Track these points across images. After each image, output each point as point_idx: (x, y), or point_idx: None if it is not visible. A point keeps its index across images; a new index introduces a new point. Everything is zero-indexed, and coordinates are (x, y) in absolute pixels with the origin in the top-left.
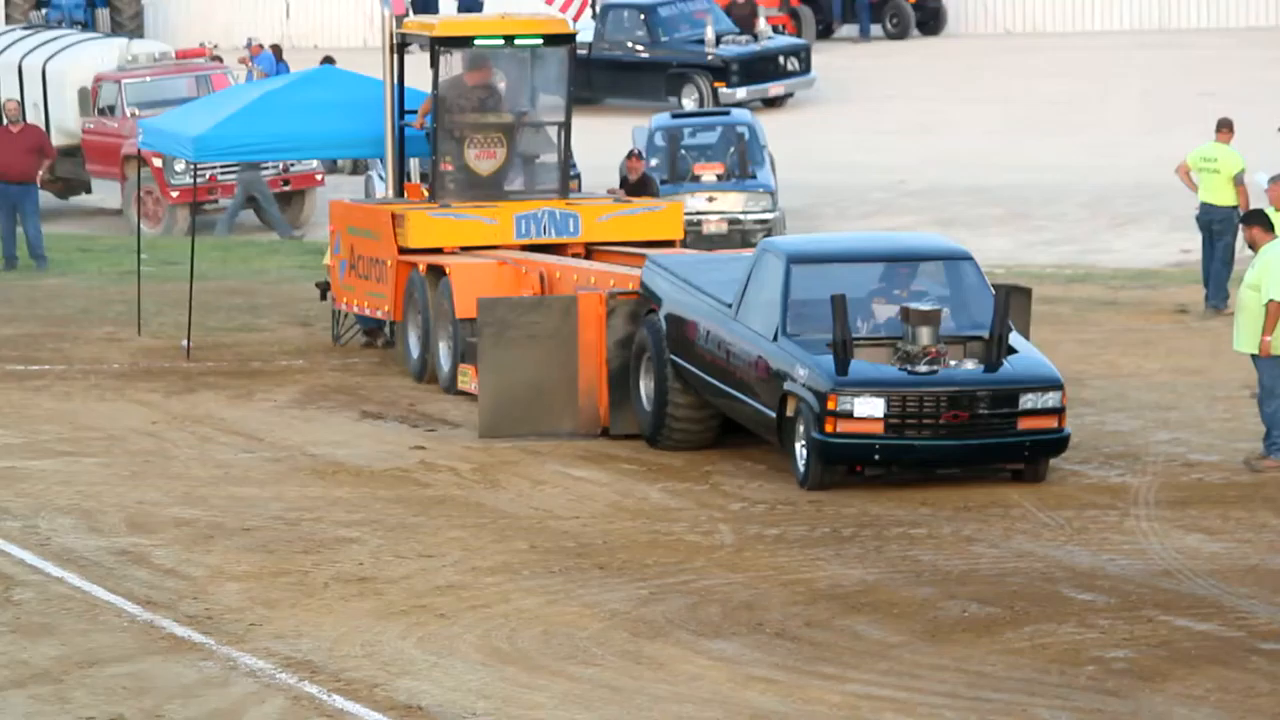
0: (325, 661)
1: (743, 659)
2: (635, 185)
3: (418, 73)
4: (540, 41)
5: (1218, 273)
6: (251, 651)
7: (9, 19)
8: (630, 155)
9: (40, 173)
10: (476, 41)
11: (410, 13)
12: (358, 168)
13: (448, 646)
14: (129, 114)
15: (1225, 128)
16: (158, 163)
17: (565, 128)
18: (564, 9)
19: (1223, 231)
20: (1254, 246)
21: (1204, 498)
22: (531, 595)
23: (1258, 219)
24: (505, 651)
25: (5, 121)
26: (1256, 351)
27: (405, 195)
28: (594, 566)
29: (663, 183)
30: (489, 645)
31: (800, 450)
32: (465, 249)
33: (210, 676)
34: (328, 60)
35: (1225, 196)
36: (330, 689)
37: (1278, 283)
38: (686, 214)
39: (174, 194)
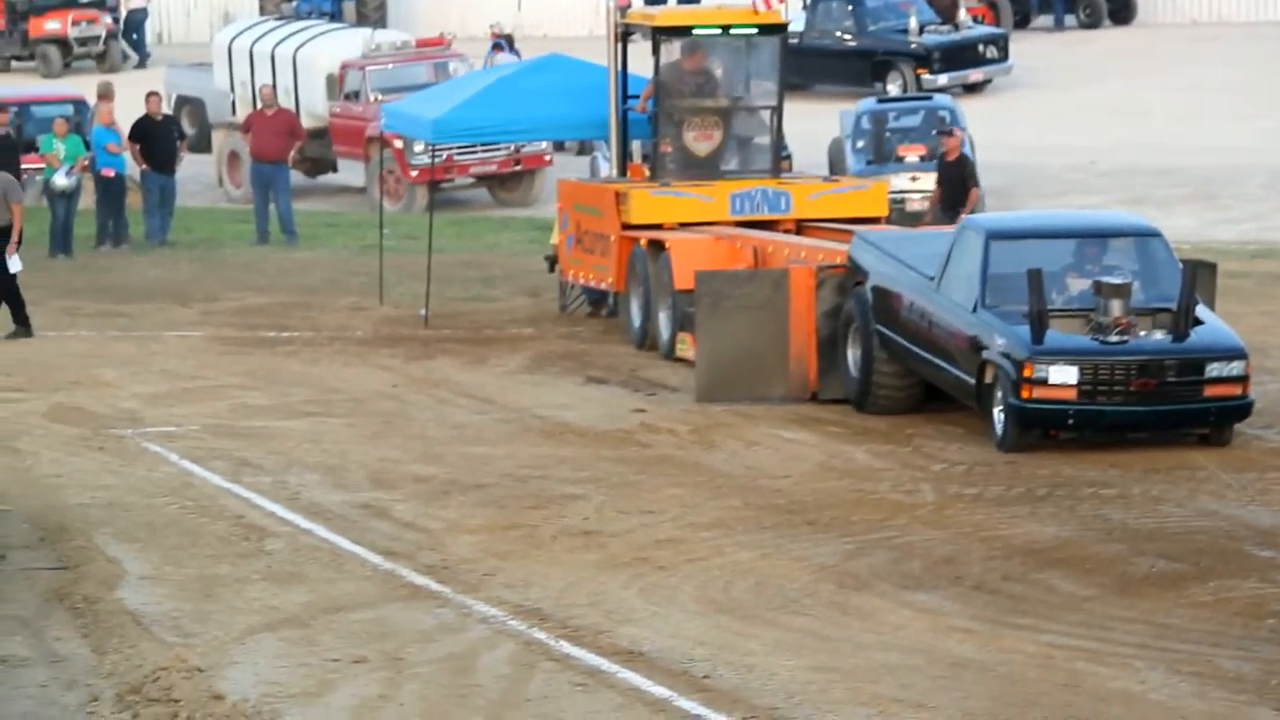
0: (553, 609)
1: (943, 610)
2: (953, 164)
3: (640, 60)
4: (755, 31)
5: None
6: (484, 600)
7: (263, 10)
8: (943, 132)
9: (291, 153)
10: (695, 31)
11: (633, 3)
12: (584, 149)
13: (667, 596)
14: (372, 99)
15: None
16: (399, 144)
17: (777, 111)
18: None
19: None
20: None
21: None
22: (745, 549)
23: None
24: (720, 601)
25: (260, 105)
26: None
27: (628, 175)
28: (803, 523)
29: (868, 163)
30: (705, 596)
31: (998, 415)
32: (684, 225)
33: (446, 623)
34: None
35: None
36: (557, 635)
37: None
38: (891, 193)
39: (413, 173)
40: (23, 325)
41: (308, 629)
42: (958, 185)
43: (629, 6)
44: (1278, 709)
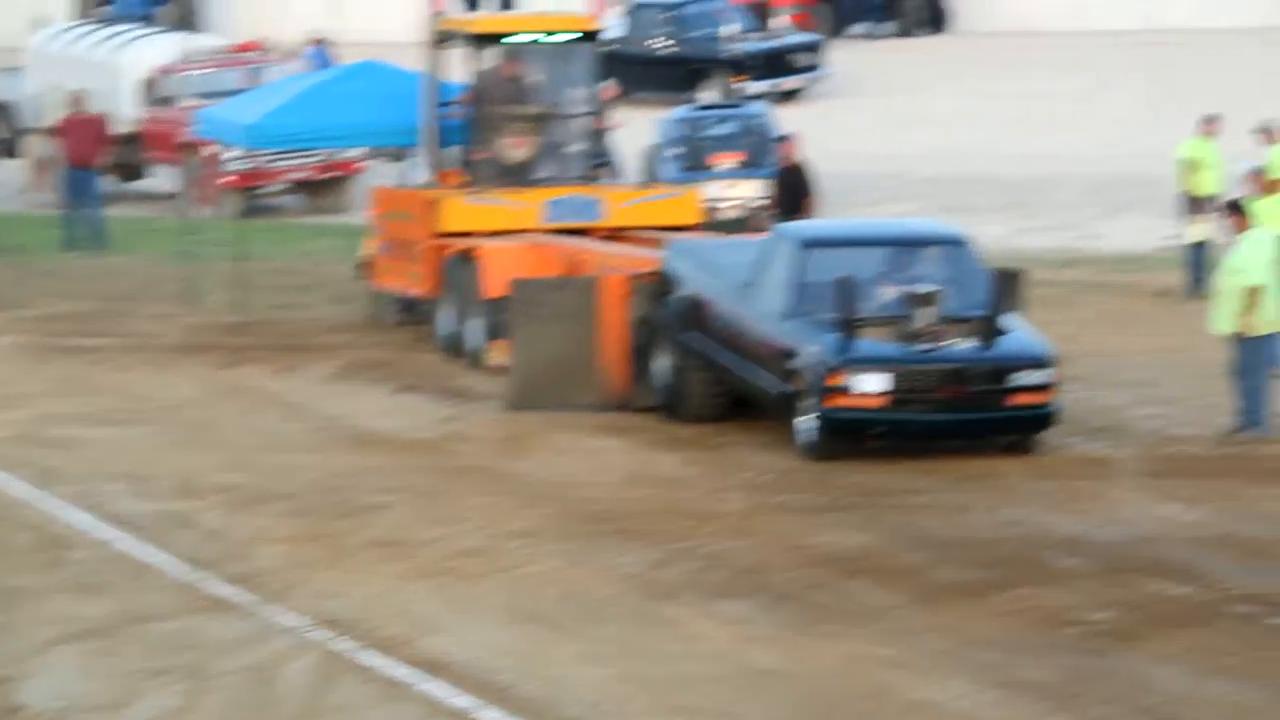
0: (357, 619)
1: (748, 619)
2: (788, 170)
3: (455, 66)
4: (572, 38)
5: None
6: (289, 610)
7: (77, 16)
8: (783, 139)
9: (102, 159)
10: (512, 37)
11: (450, 10)
12: (398, 155)
13: (473, 606)
14: (186, 104)
15: (1211, 123)
16: (213, 150)
17: (593, 118)
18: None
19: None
20: (1234, 233)
21: (1182, 469)
22: (552, 558)
23: (1239, 208)
24: (527, 611)
25: (72, 110)
26: (1238, 331)
27: (441, 182)
28: (612, 532)
29: (682, 171)
30: (512, 605)
31: (806, 423)
32: (497, 232)
33: (249, 633)
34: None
35: (1208, 187)
36: (361, 645)
37: (1256, 268)
38: (704, 201)
39: (227, 179)
40: None
41: (110, 640)
42: (792, 192)
43: (444, 13)
44: (1075, 716)
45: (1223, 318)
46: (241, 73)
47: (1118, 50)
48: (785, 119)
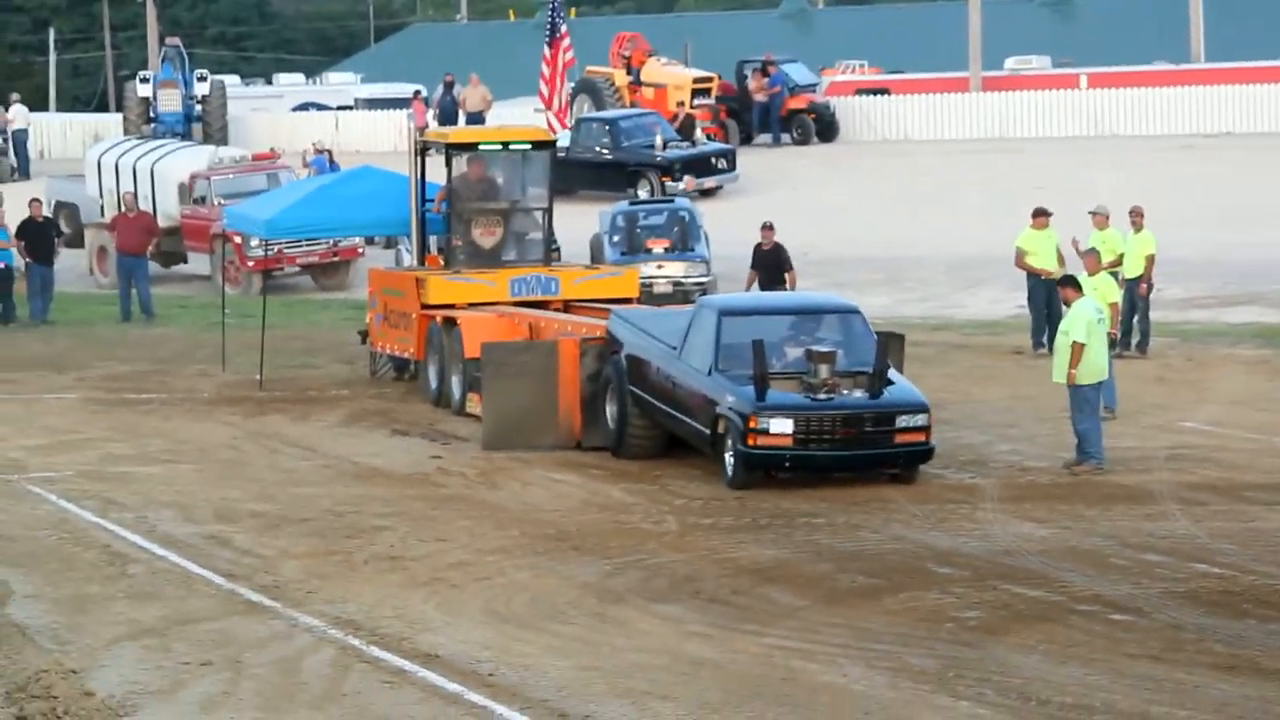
0: (364, 620)
1: (684, 619)
2: (769, 253)
3: (435, 170)
4: (529, 146)
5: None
6: (309, 613)
7: (126, 131)
8: (763, 226)
9: (150, 247)
10: (480, 146)
11: (430, 125)
12: (390, 243)
13: (458, 609)
14: (216, 203)
15: (1042, 214)
16: (238, 239)
17: (548, 212)
18: (559, 116)
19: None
20: (1066, 303)
21: (1035, 494)
22: (522, 570)
23: (1070, 282)
24: (502, 613)
25: (124, 209)
26: (1065, 381)
27: (426, 264)
28: (570, 548)
29: (622, 254)
30: (490, 608)
31: (728, 458)
32: (472, 304)
33: (278, 632)
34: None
35: (1050, 265)
36: (369, 641)
37: (1079, 330)
38: (641, 278)
39: (250, 263)
40: None
41: (163, 638)
42: (774, 270)
43: (426, 127)
44: (953, 696)
45: (1058, 370)
46: (261, 177)
47: (969, 156)
48: (705, 212)
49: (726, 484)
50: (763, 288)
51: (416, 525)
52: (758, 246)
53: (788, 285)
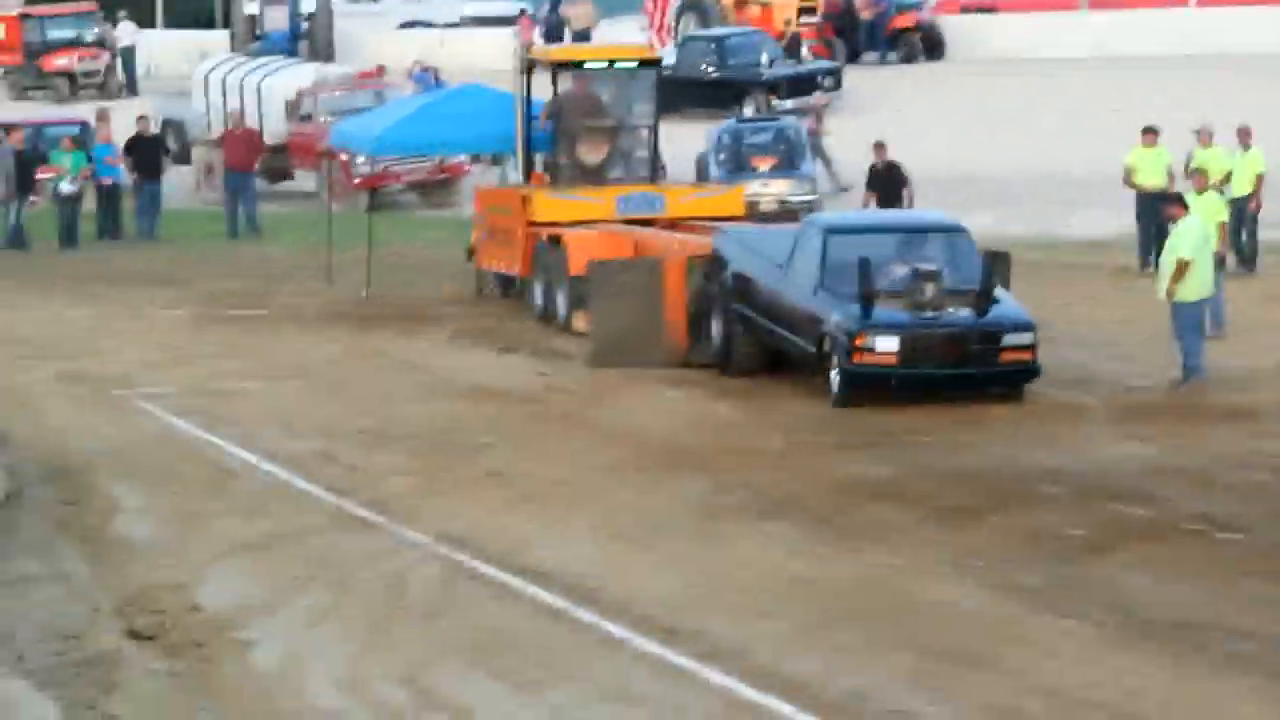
0: (471, 537)
1: (788, 536)
2: (883, 171)
3: (541, 88)
4: (635, 64)
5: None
6: (415, 529)
7: (233, 48)
8: (875, 145)
9: (256, 164)
10: (586, 64)
11: (536, 43)
12: (496, 160)
13: (564, 526)
14: (323, 120)
15: (1151, 132)
16: (344, 157)
17: (653, 130)
18: (656, 29)
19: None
20: (1173, 220)
21: (1140, 413)
22: (628, 488)
23: (1177, 199)
24: (608, 530)
25: (230, 126)
26: (1173, 298)
27: (532, 181)
28: (676, 466)
29: (728, 172)
30: (596, 526)
31: (834, 376)
32: (577, 222)
33: (384, 547)
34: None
35: (1158, 182)
36: (475, 558)
37: (1185, 247)
38: (747, 196)
39: (356, 180)
40: None
41: (270, 553)
42: (892, 187)
43: (532, 44)
44: (1058, 614)
45: (1162, 288)
46: (367, 94)
47: (1076, 75)
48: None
49: (832, 402)
50: (880, 206)
51: (523, 443)
52: (872, 166)
53: (905, 202)
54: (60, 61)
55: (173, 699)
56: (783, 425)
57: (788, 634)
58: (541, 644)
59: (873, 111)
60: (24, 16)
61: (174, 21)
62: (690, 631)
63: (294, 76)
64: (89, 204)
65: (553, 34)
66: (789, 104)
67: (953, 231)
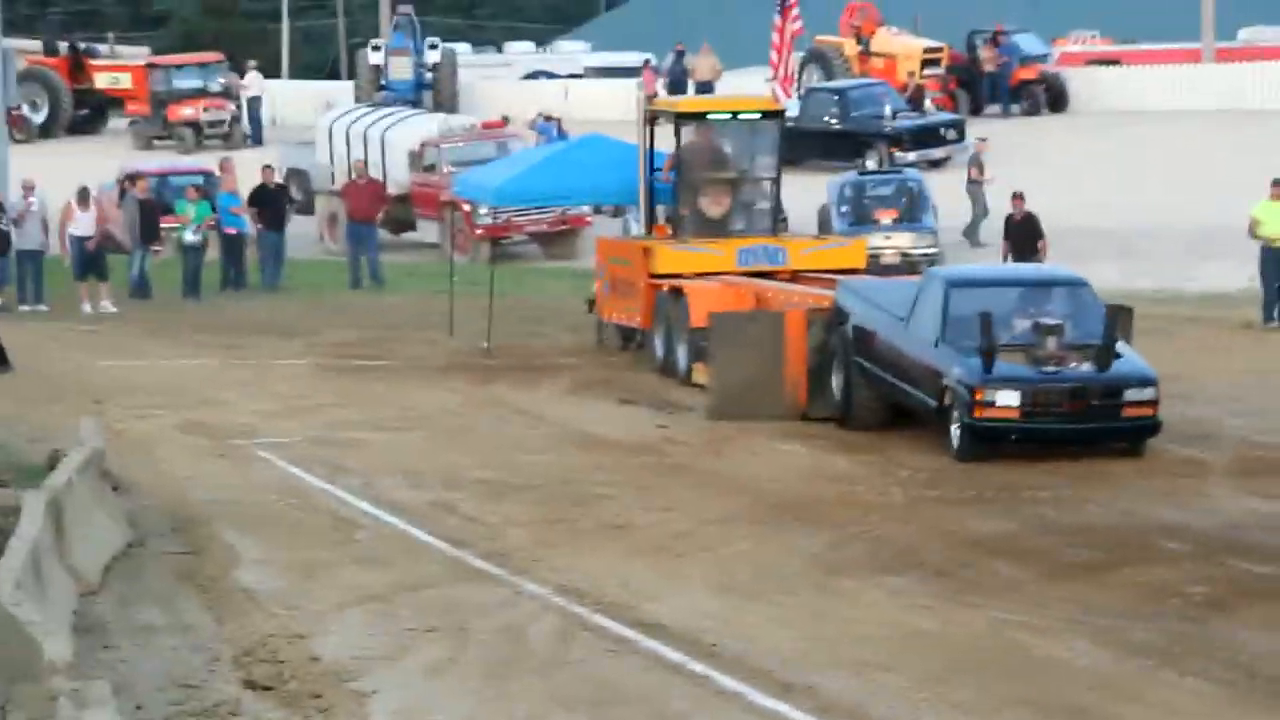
0: (589, 589)
1: (908, 590)
2: (1021, 223)
3: (664, 139)
4: (758, 116)
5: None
6: (533, 580)
7: (357, 99)
8: (1014, 196)
9: (379, 215)
10: (709, 116)
11: (659, 94)
12: (618, 211)
13: (682, 579)
14: (446, 170)
15: (1278, 185)
16: (467, 207)
17: (776, 182)
18: (784, 85)
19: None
20: None
21: (1265, 469)
22: (746, 540)
23: None
24: (725, 583)
25: (354, 176)
26: None
27: (654, 233)
28: (794, 518)
29: (850, 225)
30: (713, 578)
31: (955, 430)
32: (699, 274)
33: (502, 599)
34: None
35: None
36: (593, 610)
37: None
38: (868, 249)
39: (479, 231)
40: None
41: (389, 604)
42: (1027, 239)
43: (655, 95)
44: (1179, 672)
45: None
46: (490, 145)
47: (1201, 128)
48: (933, 184)
49: (952, 456)
50: (1015, 258)
51: (641, 494)
52: (1009, 217)
53: (1040, 255)
54: (186, 111)
55: None
56: (902, 479)
57: (905, 689)
58: (657, 697)
59: (997, 164)
60: (150, 66)
61: (299, 72)
62: (806, 686)
63: (418, 127)
64: (213, 254)
65: (677, 85)
66: (911, 156)
67: (1075, 285)
